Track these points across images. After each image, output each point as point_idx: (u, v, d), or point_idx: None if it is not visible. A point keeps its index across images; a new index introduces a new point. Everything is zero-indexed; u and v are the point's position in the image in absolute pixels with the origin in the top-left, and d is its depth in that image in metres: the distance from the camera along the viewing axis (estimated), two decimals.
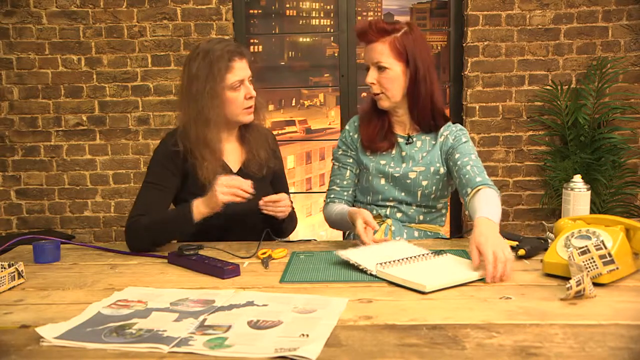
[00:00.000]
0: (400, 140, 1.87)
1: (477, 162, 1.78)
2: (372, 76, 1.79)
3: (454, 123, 1.90)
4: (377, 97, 1.82)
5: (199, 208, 1.64)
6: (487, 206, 1.54)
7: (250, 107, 1.78)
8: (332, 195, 1.94)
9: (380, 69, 1.78)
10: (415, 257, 1.47)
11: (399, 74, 1.78)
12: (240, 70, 1.74)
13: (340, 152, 1.95)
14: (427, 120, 1.84)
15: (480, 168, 1.76)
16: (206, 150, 1.75)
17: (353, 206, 1.93)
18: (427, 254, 1.50)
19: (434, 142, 1.86)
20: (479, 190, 1.66)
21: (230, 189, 1.59)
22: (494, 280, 1.34)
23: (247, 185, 1.60)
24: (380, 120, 1.87)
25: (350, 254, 1.49)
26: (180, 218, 1.67)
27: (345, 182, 1.93)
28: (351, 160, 1.92)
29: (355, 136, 1.92)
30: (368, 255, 1.50)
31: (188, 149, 1.75)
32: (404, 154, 1.86)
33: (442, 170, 1.83)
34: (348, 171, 1.93)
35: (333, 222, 1.92)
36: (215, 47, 1.73)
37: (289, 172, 3.43)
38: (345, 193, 1.93)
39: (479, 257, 1.36)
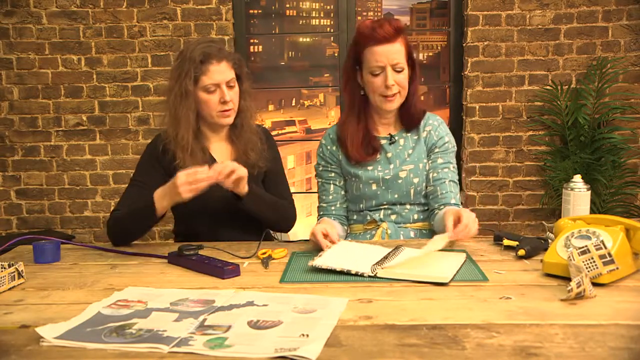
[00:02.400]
0: (383, 142, 1.86)
1: (455, 174, 1.85)
2: (392, 77, 1.72)
3: (450, 122, 1.91)
4: (390, 99, 1.76)
5: (162, 202, 1.64)
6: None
7: (226, 110, 1.76)
8: (320, 212, 1.92)
9: (398, 70, 1.74)
10: (393, 252, 1.53)
11: (407, 75, 1.78)
12: (216, 73, 1.72)
13: (320, 168, 1.93)
14: (416, 118, 1.85)
15: (456, 185, 1.84)
16: (178, 149, 1.75)
17: (347, 217, 1.93)
18: (395, 249, 1.56)
19: (416, 137, 1.86)
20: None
21: (191, 185, 1.56)
22: (456, 235, 1.51)
23: (204, 171, 1.56)
24: (361, 129, 1.83)
25: (328, 262, 1.46)
26: (144, 210, 1.67)
27: (330, 197, 1.90)
28: (333, 175, 1.90)
29: (334, 148, 1.89)
30: (345, 259, 1.49)
31: (169, 145, 1.78)
32: (389, 155, 1.85)
33: (429, 165, 1.85)
34: (332, 186, 1.90)
35: None
36: (195, 47, 1.73)
37: (289, 172, 3.42)
38: (333, 208, 1.90)
39: (454, 225, 1.52)
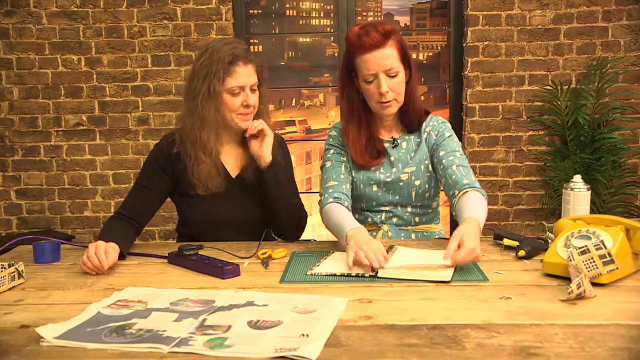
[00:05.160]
0: (386, 145, 1.83)
1: (463, 160, 1.76)
2: (385, 84, 1.68)
3: (450, 122, 1.88)
4: (387, 105, 1.73)
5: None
6: (475, 209, 1.57)
7: (246, 114, 1.74)
8: (330, 191, 1.75)
9: (392, 75, 1.70)
10: (389, 251, 1.53)
11: (403, 77, 1.74)
12: (242, 76, 1.70)
13: (332, 151, 1.84)
14: (416, 119, 1.82)
15: (467, 168, 1.74)
16: (201, 152, 1.73)
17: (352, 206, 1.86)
18: (389, 248, 1.58)
19: (418, 140, 1.83)
20: (466, 192, 1.66)
21: (88, 261, 1.48)
22: (453, 260, 1.40)
23: (101, 263, 1.47)
24: (363, 134, 1.80)
25: (328, 269, 1.47)
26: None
27: (342, 177, 1.79)
28: (344, 158, 1.83)
29: (341, 139, 1.84)
30: (343, 265, 1.49)
31: (184, 145, 1.75)
32: (392, 158, 1.82)
33: (431, 166, 1.82)
34: (343, 166, 1.82)
35: (331, 230, 1.71)
36: (222, 48, 1.69)
37: None
38: (344, 187, 1.77)
39: (456, 248, 1.41)
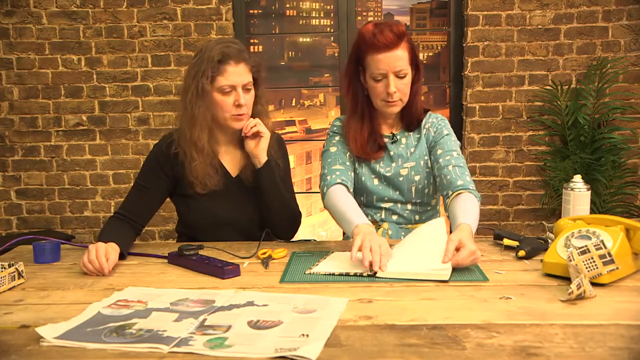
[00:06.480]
0: (386, 140, 1.84)
1: (459, 160, 1.76)
2: (393, 85, 1.69)
3: (451, 122, 1.88)
4: (392, 104, 1.74)
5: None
6: (468, 214, 1.57)
7: (240, 114, 1.72)
8: (337, 173, 1.74)
9: (401, 76, 1.70)
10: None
11: (410, 78, 1.75)
12: (233, 75, 1.68)
13: (338, 138, 1.84)
14: (416, 118, 1.83)
15: (463, 168, 1.74)
16: (193, 150, 1.73)
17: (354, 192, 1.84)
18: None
19: (418, 136, 1.85)
20: (459, 194, 1.66)
21: (89, 264, 1.48)
22: (454, 261, 1.41)
23: (102, 266, 1.48)
24: (366, 128, 1.81)
25: (327, 268, 1.47)
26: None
27: (347, 164, 1.80)
28: (348, 148, 1.83)
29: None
30: (341, 265, 1.49)
31: (180, 144, 1.75)
32: (392, 153, 1.84)
33: (430, 163, 1.83)
34: (348, 155, 1.82)
35: (335, 213, 1.68)
36: (214, 47, 1.69)
37: None
38: (349, 173, 1.78)
39: (452, 254, 1.41)
